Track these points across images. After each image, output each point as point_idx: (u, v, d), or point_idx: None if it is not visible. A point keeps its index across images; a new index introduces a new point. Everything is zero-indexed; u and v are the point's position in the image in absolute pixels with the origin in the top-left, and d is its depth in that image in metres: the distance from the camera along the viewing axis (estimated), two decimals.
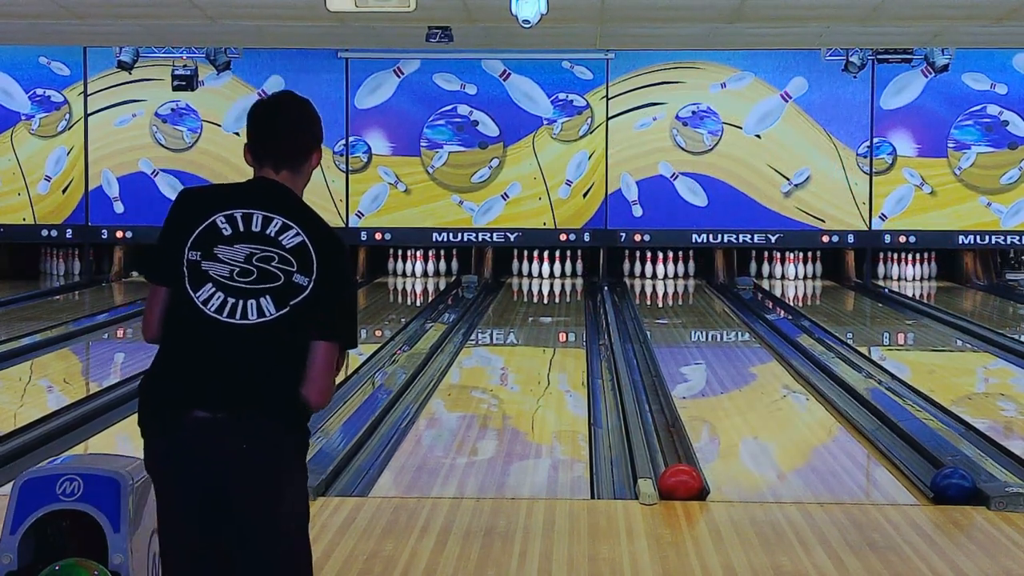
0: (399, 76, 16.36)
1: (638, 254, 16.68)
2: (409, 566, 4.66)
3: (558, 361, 10.53)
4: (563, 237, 16.35)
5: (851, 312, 14.34)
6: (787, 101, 16.26)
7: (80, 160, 16.42)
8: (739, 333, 11.98)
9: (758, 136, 16.29)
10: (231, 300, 2.90)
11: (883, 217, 16.27)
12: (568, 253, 16.67)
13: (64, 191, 16.43)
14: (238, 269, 2.91)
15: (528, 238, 16.43)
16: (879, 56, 14.71)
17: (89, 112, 16.41)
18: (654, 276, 16.61)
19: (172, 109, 16.43)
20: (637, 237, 16.36)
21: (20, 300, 13.97)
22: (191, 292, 2.91)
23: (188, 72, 15.09)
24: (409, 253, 16.68)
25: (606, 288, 15.08)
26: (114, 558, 3.28)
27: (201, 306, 2.90)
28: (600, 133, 16.34)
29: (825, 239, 16.31)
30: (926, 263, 16.64)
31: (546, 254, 16.63)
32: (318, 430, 6.68)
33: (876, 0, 10.18)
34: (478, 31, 12.10)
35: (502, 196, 16.39)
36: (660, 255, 16.64)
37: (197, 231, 2.93)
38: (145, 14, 11.48)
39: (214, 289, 2.90)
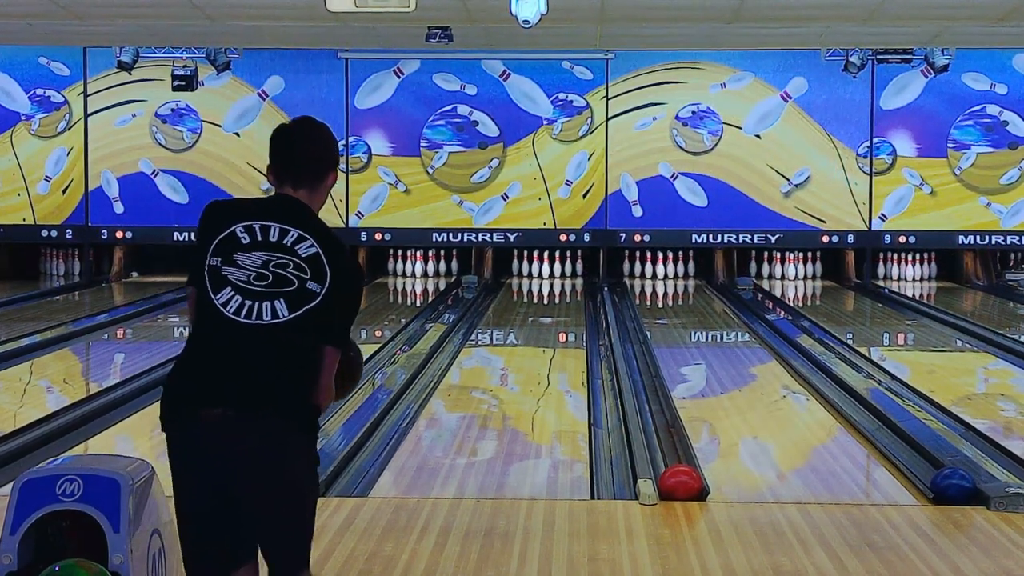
0: (399, 76, 16.37)
1: (638, 254, 16.68)
2: (409, 566, 4.66)
3: (558, 361, 10.53)
4: (563, 237, 16.35)
5: (851, 312, 14.34)
6: (787, 101, 16.26)
7: (80, 160, 16.43)
8: (739, 333, 11.98)
9: (758, 136, 16.29)
10: (248, 302, 3.12)
11: (883, 217, 16.27)
12: (568, 253, 16.67)
13: (64, 191, 16.43)
14: (255, 274, 3.13)
15: (528, 238, 16.43)
16: (879, 56, 14.71)
17: (89, 112, 16.42)
18: (654, 276, 16.61)
19: (172, 109, 16.43)
20: (637, 237, 16.36)
21: (20, 300, 13.97)
22: (212, 295, 3.14)
23: (188, 72, 15.10)
24: (409, 253, 16.69)
25: (606, 288, 15.08)
26: (114, 558, 3.28)
27: (221, 308, 3.12)
28: (600, 133, 16.34)
29: (825, 239, 16.31)
30: (926, 263, 16.65)
31: (546, 254, 16.64)
32: (318, 430, 6.68)
33: (876, 0, 10.18)
34: (478, 31, 12.10)
35: (502, 196, 16.39)
36: (660, 255, 16.64)
37: (218, 239, 3.17)
38: (145, 14, 11.48)
39: (233, 292, 3.13)
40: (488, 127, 16.38)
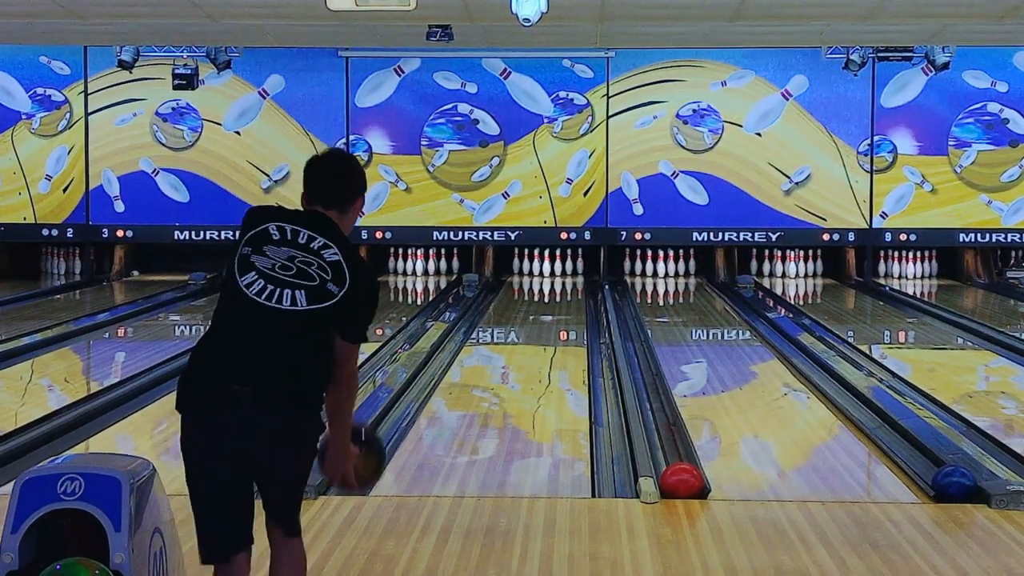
0: (399, 75, 16.36)
1: (639, 252, 16.68)
2: (410, 565, 4.66)
3: (559, 360, 10.53)
4: (564, 235, 16.35)
5: (852, 310, 14.34)
6: (788, 99, 16.25)
7: (80, 159, 16.43)
8: (740, 331, 11.98)
9: (759, 134, 16.29)
10: (270, 287, 3.39)
11: (884, 215, 16.26)
12: (569, 252, 16.67)
13: (64, 190, 16.43)
14: (280, 263, 3.42)
15: (529, 236, 16.43)
16: (880, 54, 14.70)
17: (89, 111, 16.42)
18: (655, 274, 16.60)
19: (173, 108, 16.43)
20: (638, 235, 16.36)
21: (21, 299, 13.97)
22: (238, 278, 3.40)
23: (189, 71, 15.10)
24: (410, 252, 16.69)
25: (607, 286, 15.08)
26: (115, 557, 3.28)
27: (244, 289, 3.39)
28: (600, 131, 16.34)
29: (826, 237, 16.30)
30: (927, 261, 16.64)
31: (547, 253, 16.64)
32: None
33: None
34: (478, 30, 12.10)
35: (503, 195, 16.39)
36: (661, 253, 16.64)
37: (252, 232, 3.47)
38: (145, 13, 11.49)
39: (257, 276, 3.39)
40: (489, 125, 16.38)
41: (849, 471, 6.48)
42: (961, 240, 16.23)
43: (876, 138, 16.22)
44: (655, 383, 8.70)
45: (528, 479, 6.24)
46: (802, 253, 16.68)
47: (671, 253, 16.66)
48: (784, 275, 16.63)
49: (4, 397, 8.59)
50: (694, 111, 16.30)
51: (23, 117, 16.47)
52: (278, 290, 3.38)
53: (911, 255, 16.59)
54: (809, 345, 10.30)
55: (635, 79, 16.28)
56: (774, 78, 16.23)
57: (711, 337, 11.83)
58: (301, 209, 3.58)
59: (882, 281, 16.28)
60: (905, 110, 16.21)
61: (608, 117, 16.33)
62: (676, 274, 16.65)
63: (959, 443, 6.56)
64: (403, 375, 8.86)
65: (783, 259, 16.68)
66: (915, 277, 16.52)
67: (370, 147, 16.42)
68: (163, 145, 16.46)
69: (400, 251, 16.69)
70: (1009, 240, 16.26)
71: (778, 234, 16.29)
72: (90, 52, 16.26)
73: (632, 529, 5.10)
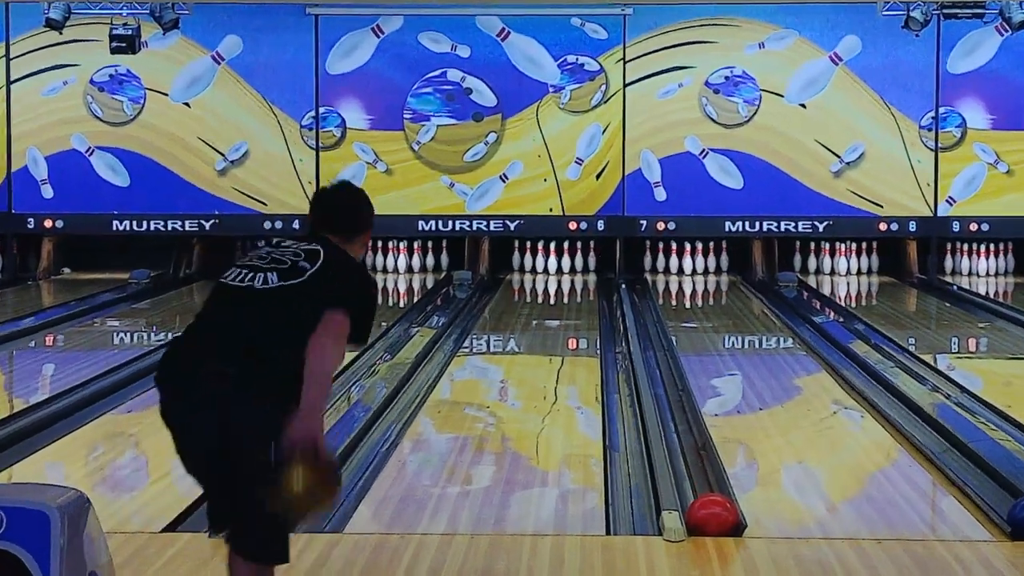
0: (378, 36, 16.38)
1: (661, 245, 16.69)
2: None
3: (567, 372, 10.54)
4: (572, 226, 16.36)
5: (913, 313, 14.34)
6: (837, 64, 16.27)
7: (1, 136, 16.43)
8: (781, 338, 11.99)
9: (803, 106, 16.30)
10: (245, 273, 4.06)
11: (951, 201, 16.28)
12: (579, 245, 16.68)
13: None
14: (258, 256, 4.14)
15: (531, 227, 16.44)
16: (945, 11, 14.71)
17: (12, 79, 16.42)
18: (680, 271, 16.62)
19: (110, 76, 16.43)
20: (660, 225, 16.37)
21: None
22: (223, 276, 4.11)
23: (129, 32, 15.10)
24: (391, 245, 16.70)
25: (624, 286, 15.10)
26: None
27: (223, 280, 4.08)
28: (616, 103, 16.35)
29: (882, 227, 16.32)
30: (1002, 255, 16.66)
31: (552, 246, 16.65)
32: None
33: None
34: None
35: (500, 177, 16.41)
36: (687, 247, 16.65)
37: (250, 254, 4.23)
38: None
39: (236, 270, 4.09)
40: (484, 96, 16.39)
41: (910, 503, 6.48)
42: None
43: (941, 110, 16.24)
44: (681, 400, 8.71)
45: (531, 513, 6.25)
46: (854, 246, 16.69)
47: (699, 246, 16.68)
48: (833, 272, 16.64)
49: None
50: (726, 78, 16.31)
51: None
52: (252, 274, 4.04)
53: (983, 248, 16.60)
54: (863, 355, 10.31)
55: (657, 40, 16.30)
56: (821, 39, 16.25)
57: (747, 345, 11.84)
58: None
59: (949, 279, 16.29)
60: (976, 77, 16.23)
61: (625, 86, 16.34)
62: (705, 271, 16.66)
63: None
64: (383, 390, 8.86)
65: (832, 253, 16.70)
66: (988, 274, 16.54)
67: (343, 121, 16.44)
68: (99, 119, 16.47)
69: (379, 244, 16.70)
70: None
71: (826, 223, 16.31)
72: (12, 9, 16.27)
73: (653, 571, 5.10)
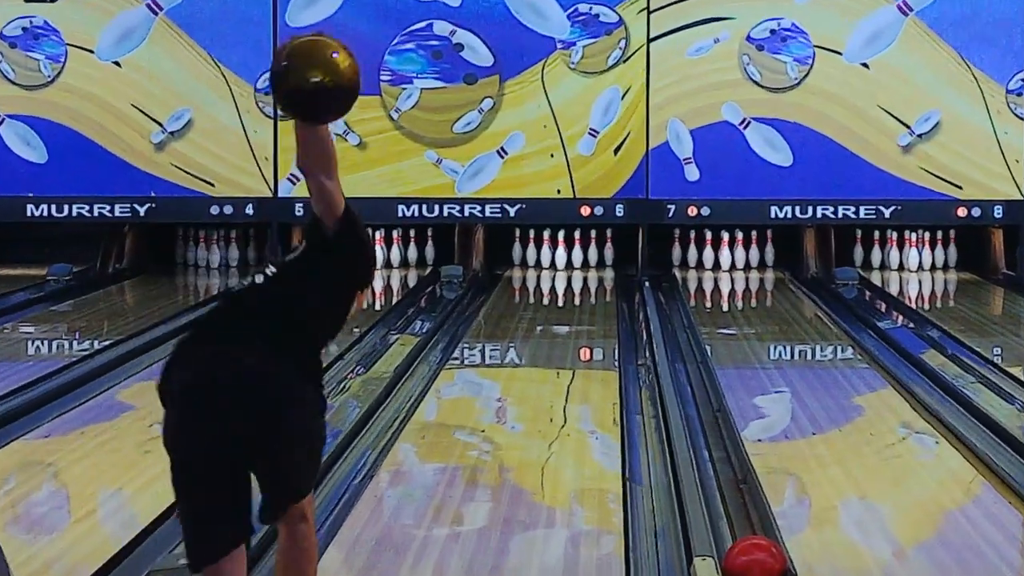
0: None
1: (693, 235, 16.71)
2: None
3: (579, 389, 10.55)
4: (585, 211, 16.37)
5: (999, 317, 14.36)
6: (907, 15, 16.27)
7: None
8: (839, 348, 12.01)
9: (865, 65, 16.31)
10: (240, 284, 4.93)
11: None
12: (592, 234, 16.69)
13: None
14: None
15: (535, 212, 16.45)
16: None
17: None
18: (716, 266, 16.63)
19: (23, 29, 16.44)
20: (692, 211, 16.38)
21: None
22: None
23: None
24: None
25: (647, 284, 15.10)
26: None
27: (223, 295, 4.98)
28: (638, 62, 16.36)
29: (962, 212, 16.32)
30: None
31: (561, 235, 16.66)
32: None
33: None
34: None
35: (498, 152, 16.41)
36: (724, 236, 16.66)
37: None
38: None
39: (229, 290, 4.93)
40: (478, 53, 16.40)
41: (995, 547, 6.49)
42: None
43: None
44: (716, 422, 8.73)
45: (535, 559, 6.27)
46: (927, 236, 16.70)
47: (739, 236, 16.69)
48: (902, 267, 16.64)
49: None
50: (772, 32, 16.32)
51: None
52: (248, 280, 4.83)
53: None
54: (938, 368, 10.32)
55: None
56: None
57: (797, 356, 11.85)
58: None
59: None
60: None
61: (649, 41, 16.35)
62: (747, 266, 16.67)
63: None
64: (355, 411, 8.88)
65: (900, 245, 16.70)
66: None
67: None
68: (10, 82, 16.47)
69: None
70: None
71: (893, 208, 16.32)
72: None
73: None
